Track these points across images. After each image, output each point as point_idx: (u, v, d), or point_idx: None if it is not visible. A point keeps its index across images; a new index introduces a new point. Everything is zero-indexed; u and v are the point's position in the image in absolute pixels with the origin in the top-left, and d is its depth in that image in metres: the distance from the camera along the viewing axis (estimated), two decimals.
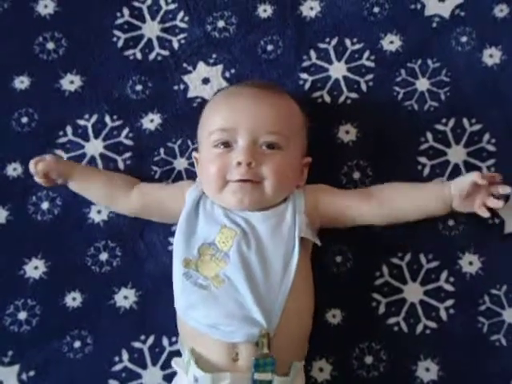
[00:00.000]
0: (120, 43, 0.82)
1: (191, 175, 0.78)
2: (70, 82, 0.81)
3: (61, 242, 0.77)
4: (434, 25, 0.80)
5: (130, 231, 0.77)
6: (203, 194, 0.70)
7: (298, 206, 0.68)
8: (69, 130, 0.81)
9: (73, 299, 0.76)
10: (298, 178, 0.71)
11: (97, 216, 0.78)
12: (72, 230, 0.78)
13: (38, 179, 0.74)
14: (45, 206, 0.79)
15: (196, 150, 0.77)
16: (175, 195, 0.72)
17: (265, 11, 0.82)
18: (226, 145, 0.67)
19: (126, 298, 0.76)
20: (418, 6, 0.81)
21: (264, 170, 0.66)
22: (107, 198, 0.73)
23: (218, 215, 0.68)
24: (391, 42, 0.80)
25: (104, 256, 0.77)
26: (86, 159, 0.80)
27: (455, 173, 0.76)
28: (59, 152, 0.81)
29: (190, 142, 0.80)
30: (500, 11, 0.80)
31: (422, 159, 0.77)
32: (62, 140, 0.81)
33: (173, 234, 0.75)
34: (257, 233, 0.66)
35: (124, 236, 0.77)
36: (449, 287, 0.74)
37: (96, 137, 0.80)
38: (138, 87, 0.81)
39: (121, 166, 0.80)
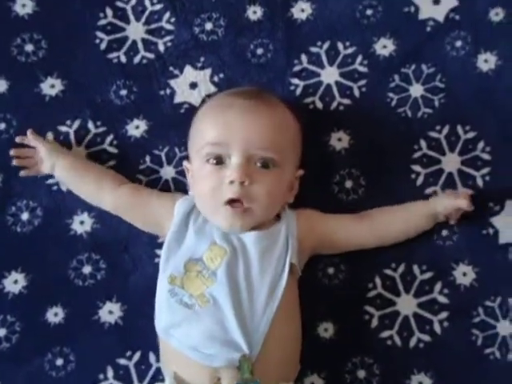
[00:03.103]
0: (103, 45, 0.79)
1: (179, 184, 0.76)
2: (51, 86, 0.79)
3: (42, 255, 0.75)
4: (428, 29, 0.78)
5: (115, 243, 0.75)
6: (195, 207, 0.69)
7: (291, 229, 0.67)
8: (49, 136, 0.78)
9: (54, 315, 0.74)
10: (289, 193, 0.69)
11: (79, 227, 0.76)
12: (53, 241, 0.75)
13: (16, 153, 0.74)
14: (25, 216, 0.76)
15: (185, 158, 0.74)
16: (164, 203, 0.70)
17: (254, 13, 0.80)
18: (219, 160, 0.65)
19: (110, 312, 0.74)
20: (412, 9, 0.79)
21: (256, 190, 0.64)
22: (95, 188, 0.71)
23: (210, 230, 0.66)
24: (384, 47, 0.78)
25: (87, 269, 0.75)
26: None
27: (449, 182, 0.75)
28: None
29: (177, 150, 0.77)
30: (495, 15, 0.79)
31: (416, 167, 0.75)
32: None
33: (159, 245, 0.73)
34: (247, 254, 0.64)
35: (108, 248, 0.75)
36: (443, 299, 0.73)
37: (78, 144, 0.78)
38: (123, 92, 0.78)
39: None
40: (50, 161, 0.73)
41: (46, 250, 0.75)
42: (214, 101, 0.71)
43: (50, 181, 0.77)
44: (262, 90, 0.74)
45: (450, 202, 0.69)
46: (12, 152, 0.74)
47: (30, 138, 0.74)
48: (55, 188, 0.77)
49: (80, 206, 0.75)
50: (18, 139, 0.74)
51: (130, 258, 0.74)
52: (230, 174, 0.63)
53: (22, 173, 0.74)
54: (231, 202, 0.64)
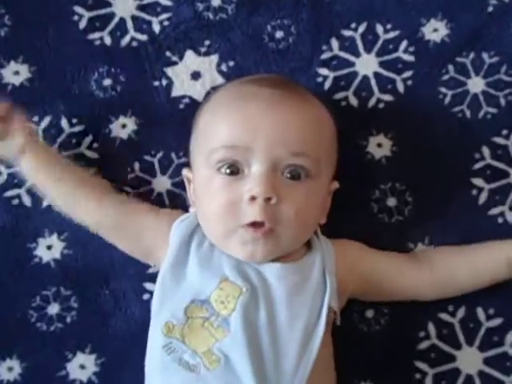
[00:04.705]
0: (83, 23, 0.70)
1: (175, 199, 0.66)
2: (15, 73, 0.69)
3: None
4: (491, 9, 0.68)
5: (92, 274, 0.64)
6: (198, 228, 0.57)
7: (328, 261, 0.55)
8: None
9: (8, 369, 0.63)
10: (322, 212, 0.58)
11: (46, 253, 0.65)
12: (11, 272, 0.65)
13: None
14: None
15: (185, 165, 0.64)
16: (160, 225, 0.58)
17: None
18: (234, 168, 0.53)
19: (82, 367, 0.63)
20: None
21: (284, 210, 0.52)
22: (73, 194, 0.60)
23: (219, 261, 0.54)
24: (435, 30, 0.68)
25: (54, 308, 0.64)
26: None
27: None
28: None
29: (174, 156, 0.67)
30: None
31: (478, 181, 0.65)
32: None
33: (150, 277, 0.63)
34: (270, 294, 0.53)
35: (83, 281, 0.64)
36: None
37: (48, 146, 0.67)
38: (106, 82, 0.68)
39: None
40: (22, 138, 0.59)
41: (1, 283, 0.64)
42: (230, 89, 0.60)
43: (10, 192, 0.66)
44: (288, 78, 0.65)
45: None
46: None
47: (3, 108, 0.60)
48: (16, 202, 0.66)
49: (48, 225, 0.65)
50: None
51: (110, 295, 0.64)
52: (250, 188, 0.52)
53: None
54: (251, 228, 0.52)
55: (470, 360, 0.61)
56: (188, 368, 0.50)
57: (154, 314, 0.54)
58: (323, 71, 0.68)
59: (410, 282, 0.58)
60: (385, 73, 0.68)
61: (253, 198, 0.51)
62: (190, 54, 0.69)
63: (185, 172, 0.60)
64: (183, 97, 0.68)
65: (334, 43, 0.68)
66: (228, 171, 0.53)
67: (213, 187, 0.53)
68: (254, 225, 0.52)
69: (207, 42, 0.69)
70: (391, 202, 0.65)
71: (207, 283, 0.53)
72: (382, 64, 0.68)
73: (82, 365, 0.62)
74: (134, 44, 0.69)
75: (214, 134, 0.55)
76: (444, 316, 0.62)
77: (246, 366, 0.49)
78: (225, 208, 0.52)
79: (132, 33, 0.69)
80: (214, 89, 0.67)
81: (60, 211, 0.62)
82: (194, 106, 0.66)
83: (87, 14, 0.70)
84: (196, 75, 0.68)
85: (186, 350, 0.51)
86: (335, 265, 0.55)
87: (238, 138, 0.53)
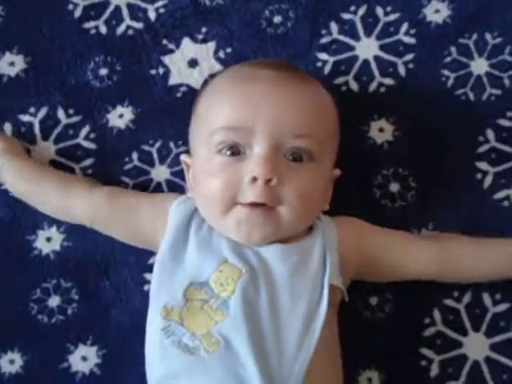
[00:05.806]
0: (77, 12, 0.69)
1: (174, 188, 0.65)
2: (10, 64, 0.68)
3: None
4: None
5: (92, 266, 0.63)
6: (195, 212, 0.56)
7: (330, 240, 0.55)
8: (8, 127, 0.67)
9: (10, 362, 0.62)
10: (324, 198, 0.57)
11: (46, 245, 0.64)
12: (11, 265, 0.64)
13: None
14: None
15: (185, 153, 0.63)
16: (156, 211, 0.58)
17: None
18: (235, 150, 0.53)
19: (84, 359, 0.62)
20: None
21: (286, 192, 0.52)
22: (61, 197, 0.60)
23: (218, 244, 0.54)
24: (437, 11, 0.67)
25: (55, 301, 0.63)
26: None
27: None
28: None
29: (172, 145, 0.66)
30: None
31: (482, 165, 0.64)
32: None
33: (150, 268, 0.62)
34: (271, 275, 0.52)
35: (83, 272, 0.64)
36: None
37: (45, 138, 0.67)
38: (103, 71, 0.68)
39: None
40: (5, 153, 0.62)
41: (1, 275, 0.64)
42: (228, 73, 0.59)
43: None
44: (287, 62, 0.64)
45: None
46: None
47: None
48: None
49: (47, 217, 0.65)
50: None
51: (111, 286, 0.63)
52: (252, 169, 0.51)
53: None
54: (249, 207, 0.51)
55: (476, 346, 0.60)
56: (187, 351, 0.49)
57: (152, 297, 0.54)
58: (322, 56, 0.67)
59: (414, 260, 0.57)
60: (386, 56, 0.66)
61: (254, 179, 0.50)
62: (186, 42, 0.68)
63: (183, 158, 0.59)
64: (180, 85, 0.67)
65: (334, 27, 0.67)
66: (229, 153, 0.52)
67: (213, 166, 0.52)
68: (253, 205, 0.51)
69: (204, 29, 0.68)
70: (394, 187, 0.64)
71: (206, 265, 0.52)
72: (382, 47, 0.67)
73: (84, 356, 0.62)
74: (130, 32, 0.68)
75: (213, 117, 0.54)
76: (449, 302, 0.61)
77: (246, 348, 0.48)
78: (225, 186, 0.51)
79: (128, 21, 0.68)
80: (212, 76, 0.65)
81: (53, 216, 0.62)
82: (191, 94, 0.65)
83: (82, 3, 0.69)
84: (193, 63, 0.67)
85: (185, 333, 0.50)
86: (337, 240, 0.55)
87: (238, 119, 0.52)
